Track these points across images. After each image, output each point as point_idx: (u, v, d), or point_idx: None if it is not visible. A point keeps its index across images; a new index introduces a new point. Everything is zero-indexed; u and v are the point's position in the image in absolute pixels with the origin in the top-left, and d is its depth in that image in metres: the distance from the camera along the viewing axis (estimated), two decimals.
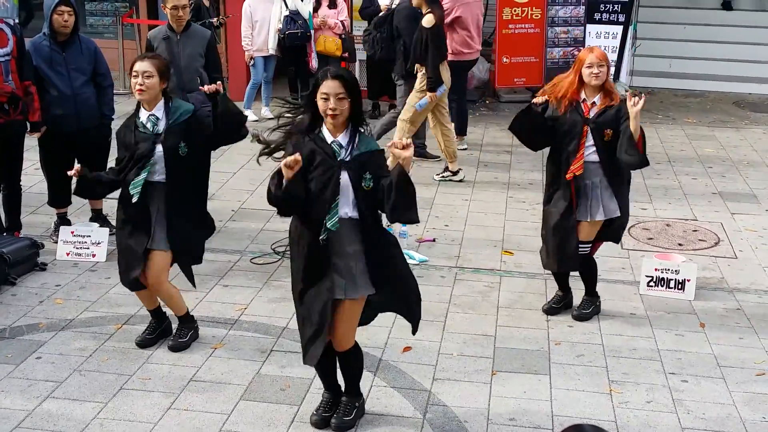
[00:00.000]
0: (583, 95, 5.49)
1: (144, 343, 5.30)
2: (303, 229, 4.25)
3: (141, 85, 4.92)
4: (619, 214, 5.61)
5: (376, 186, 4.11)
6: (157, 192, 5.02)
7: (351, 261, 4.19)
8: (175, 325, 5.40)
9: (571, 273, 5.93)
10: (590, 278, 5.84)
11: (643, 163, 5.39)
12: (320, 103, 4.10)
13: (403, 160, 3.98)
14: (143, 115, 5.01)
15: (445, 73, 8.53)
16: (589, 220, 5.58)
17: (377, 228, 4.27)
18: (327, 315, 4.21)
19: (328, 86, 4.07)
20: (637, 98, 5.31)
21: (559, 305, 5.89)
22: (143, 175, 4.95)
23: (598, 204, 5.56)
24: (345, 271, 4.19)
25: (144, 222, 5.04)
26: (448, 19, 9.48)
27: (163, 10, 7.00)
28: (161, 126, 5.00)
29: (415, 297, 4.43)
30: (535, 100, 5.61)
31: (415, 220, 4.14)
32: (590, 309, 5.82)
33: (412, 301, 4.42)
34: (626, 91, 5.39)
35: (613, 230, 5.73)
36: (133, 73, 4.95)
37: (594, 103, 5.47)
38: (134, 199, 4.95)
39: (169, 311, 5.42)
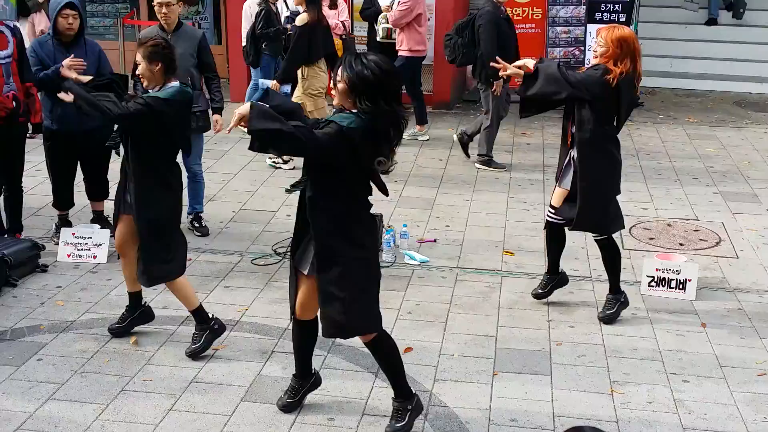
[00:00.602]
0: None
1: (114, 331, 5.39)
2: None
3: (140, 71, 5.08)
4: (567, 187, 5.60)
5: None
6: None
7: (309, 238, 4.32)
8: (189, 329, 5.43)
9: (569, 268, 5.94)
10: (612, 268, 5.75)
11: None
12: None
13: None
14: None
15: (316, 79, 8.49)
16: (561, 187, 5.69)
17: (325, 207, 4.19)
18: (292, 282, 4.48)
19: (340, 72, 4.09)
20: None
21: (546, 289, 5.91)
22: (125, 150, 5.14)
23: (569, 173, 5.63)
24: (307, 247, 4.34)
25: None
26: (410, 17, 9.51)
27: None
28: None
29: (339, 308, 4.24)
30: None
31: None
32: (615, 308, 5.76)
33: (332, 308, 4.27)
34: None
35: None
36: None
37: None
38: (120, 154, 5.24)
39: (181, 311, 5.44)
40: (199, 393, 4.85)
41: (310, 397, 4.78)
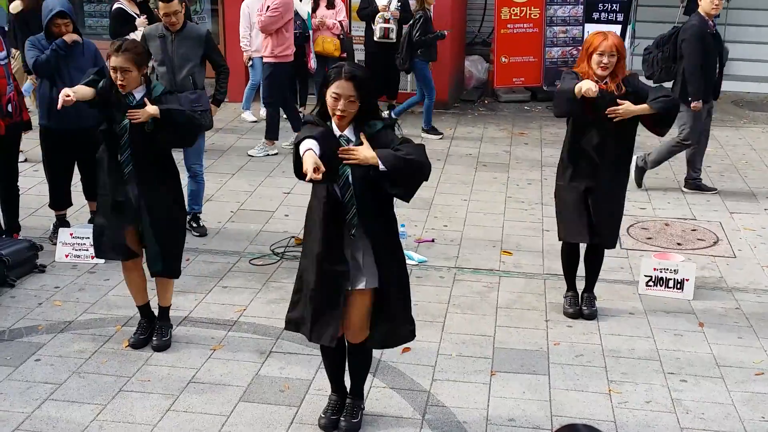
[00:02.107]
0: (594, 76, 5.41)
1: (138, 344, 5.32)
2: (321, 214, 4.20)
3: (122, 80, 4.96)
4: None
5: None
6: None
7: (357, 253, 4.20)
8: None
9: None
10: (598, 269, 5.88)
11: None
12: (329, 101, 4.05)
13: (362, 160, 3.97)
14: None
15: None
16: None
17: (384, 222, 4.24)
18: (340, 302, 4.23)
19: (341, 87, 4.01)
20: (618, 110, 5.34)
21: (579, 305, 5.87)
22: (126, 153, 5.05)
23: None
24: (353, 263, 4.20)
25: (127, 201, 5.12)
26: (281, 23, 9.19)
27: (157, 14, 7.07)
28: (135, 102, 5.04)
29: (402, 318, 4.37)
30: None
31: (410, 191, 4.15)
32: (596, 305, 5.85)
33: (399, 322, 4.36)
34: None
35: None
36: (111, 67, 4.98)
37: (606, 83, 5.39)
38: (126, 175, 5.07)
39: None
40: (197, 393, 4.86)
41: (309, 398, 4.79)
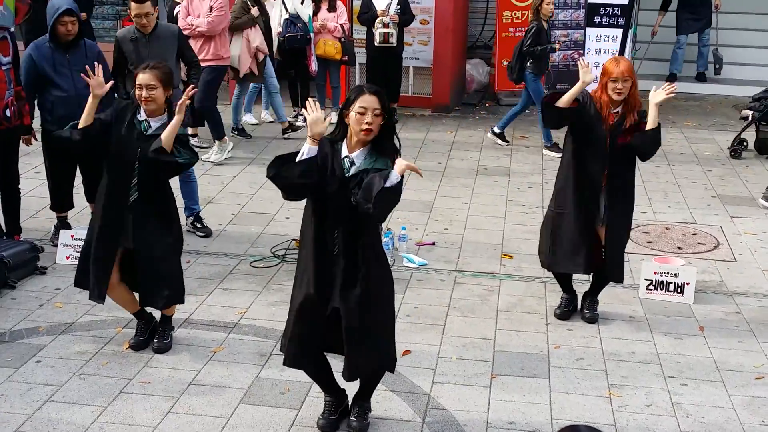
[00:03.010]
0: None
1: (138, 345, 5.32)
2: (314, 233, 4.23)
3: (147, 97, 5.00)
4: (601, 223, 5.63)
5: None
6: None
7: (339, 270, 4.21)
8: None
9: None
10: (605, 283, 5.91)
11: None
12: (355, 117, 4.05)
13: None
14: (141, 115, 5.06)
15: None
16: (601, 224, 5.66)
17: (368, 251, 4.23)
18: (322, 326, 4.28)
19: (366, 101, 4.04)
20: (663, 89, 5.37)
21: (570, 308, 5.89)
22: (135, 180, 5.04)
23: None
24: (337, 280, 4.22)
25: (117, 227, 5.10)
26: (227, 21, 9.03)
27: (129, 15, 7.18)
28: (149, 132, 5.06)
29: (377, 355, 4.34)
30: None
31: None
32: (597, 309, 5.86)
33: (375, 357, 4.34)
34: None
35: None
36: (137, 85, 5.01)
37: (617, 112, 5.42)
38: (131, 202, 5.05)
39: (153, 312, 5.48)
40: (198, 395, 4.86)
41: (310, 400, 4.79)
